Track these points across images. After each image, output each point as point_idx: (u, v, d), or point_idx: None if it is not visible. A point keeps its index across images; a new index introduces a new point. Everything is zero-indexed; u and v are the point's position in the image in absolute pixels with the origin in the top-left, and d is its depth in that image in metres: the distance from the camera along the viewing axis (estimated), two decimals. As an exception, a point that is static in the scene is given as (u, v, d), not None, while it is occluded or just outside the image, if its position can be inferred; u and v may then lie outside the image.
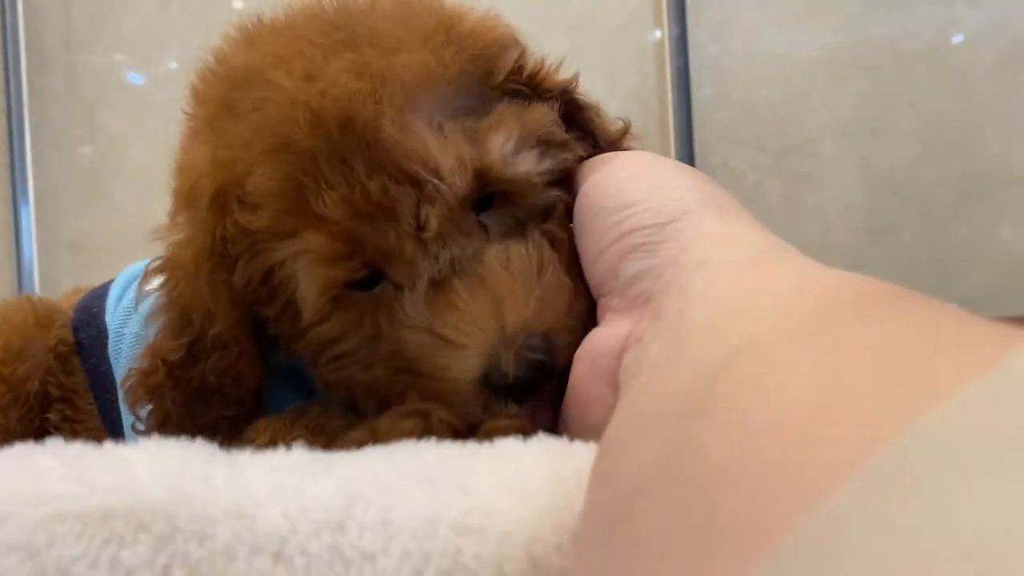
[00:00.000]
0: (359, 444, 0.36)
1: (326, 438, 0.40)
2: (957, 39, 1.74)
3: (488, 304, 0.36)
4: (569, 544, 0.28)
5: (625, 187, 0.39)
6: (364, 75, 0.36)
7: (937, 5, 1.73)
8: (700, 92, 1.69)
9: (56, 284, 1.57)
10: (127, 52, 1.64)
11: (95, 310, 0.58)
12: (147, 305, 0.51)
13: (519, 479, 0.30)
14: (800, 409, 0.19)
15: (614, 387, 0.35)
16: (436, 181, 0.36)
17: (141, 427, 0.44)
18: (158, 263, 0.45)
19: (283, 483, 0.28)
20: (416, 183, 0.36)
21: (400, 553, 0.26)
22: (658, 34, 1.69)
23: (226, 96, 0.40)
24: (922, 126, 1.73)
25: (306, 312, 0.39)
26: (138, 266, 0.60)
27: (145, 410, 0.44)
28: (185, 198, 0.41)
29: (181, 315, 0.42)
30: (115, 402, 0.55)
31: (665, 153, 1.60)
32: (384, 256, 0.37)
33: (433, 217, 0.36)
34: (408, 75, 0.37)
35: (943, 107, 1.73)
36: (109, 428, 0.56)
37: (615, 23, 1.70)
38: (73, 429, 0.56)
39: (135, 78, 1.64)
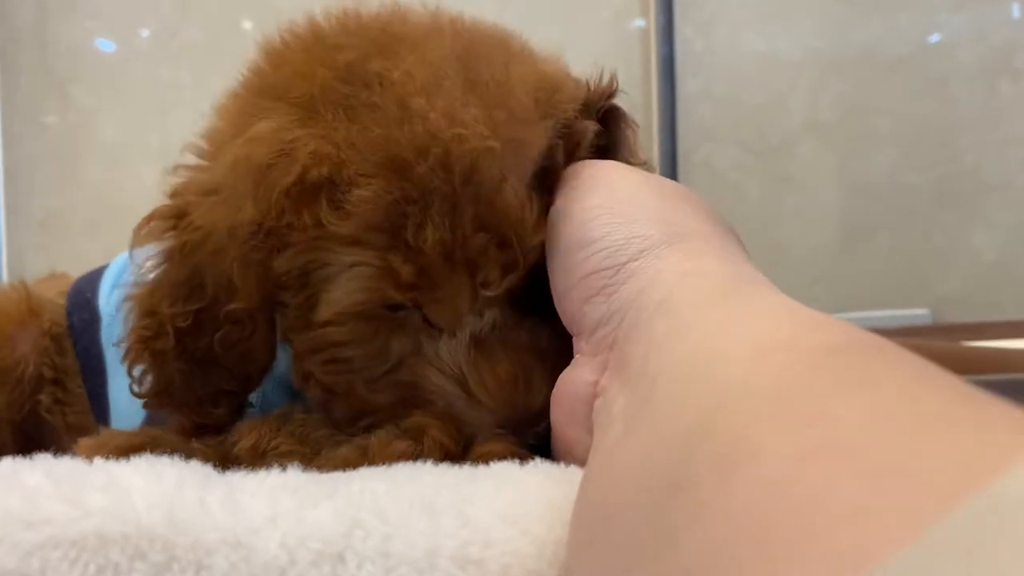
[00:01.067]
0: (350, 465, 0.36)
1: (310, 448, 0.39)
2: (936, 45, 1.76)
3: (521, 382, 0.38)
4: (568, 577, 0.28)
5: (588, 221, 0.38)
6: (498, 136, 0.37)
7: (917, 12, 1.74)
8: (685, 87, 1.70)
9: (23, 262, 1.54)
10: (99, 20, 1.61)
11: (88, 295, 0.57)
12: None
13: (518, 508, 0.30)
14: (782, 509, 0.19)
15: (590, 430, 0.35)
16: (524, 252, 0.38)
17: (138, 389, 0.42)
18: (171, 210, 0.42)
19: (280, 509, 0.28)
20: (508, 247, 0.38)
21: (400, 585, 0.26)
22: (643, 23, 1.69)
23: (333, 87, 0.38)
24: (899, 131, 1.75)
25: (326, 310, 0.38)
26: (127, 255, 0.58)
27: (141, 371, 0.42)
28: (249, 167, 0.38)
29: (191, 278, 0.40)
30: (104, 387, 0.54)
31: (648, 150, 1.60)
32: (438, 297, 0.38)
33: (505, 281, 0.38)
34: (531, 151, 0.39)
35: (921, 113, 1.74)
36: (97, 412, 0.55)
37: (601, 12, 1.70)
38: (63, 411, 0.56)
39: (105, 44, 1.60)
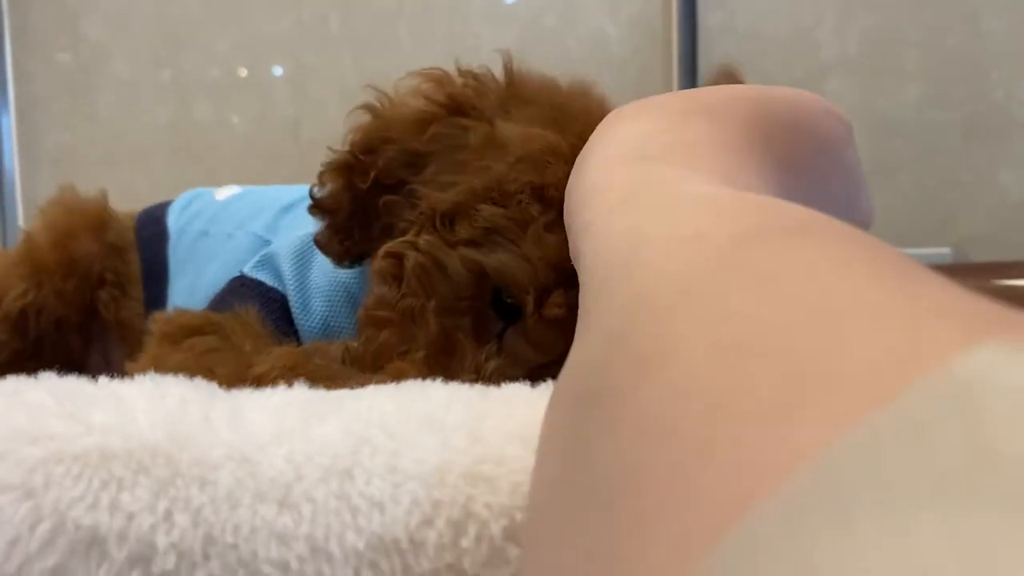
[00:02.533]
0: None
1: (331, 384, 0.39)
2: (968, -24, 1.70)
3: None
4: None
5: None
6: None
7: (950, -60, 1.68)
8: (706, 21, 1.65)
9: (38, 198, 1.54)
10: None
11: (158, 215, 0.66)
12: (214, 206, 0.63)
13: (531, 429, 0.29)
14: (690, 413, 0.17)
15: None
16: None
17: (317, 193, 0.48)
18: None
19: (286, 426, 0.27)
20: None
21: (409, 502, 0.25)
22: (663, -44, 1.65)
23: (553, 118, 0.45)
24: (927, 66, 1.71)
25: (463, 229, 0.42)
26: (197, 190, 0.69)
27: (328, 187, 0.48)
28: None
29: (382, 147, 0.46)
30: (164, 291, 0.62)
31: (667, 86, 1.57)
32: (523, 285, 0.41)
33: None
34: None
35: (950, 47, 1.70)
36: (150, 314, 0.60)
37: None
38: (118, 308, 0.64)
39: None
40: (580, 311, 0.27)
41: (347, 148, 0.47)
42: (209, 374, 0.41)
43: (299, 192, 0.62)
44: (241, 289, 0.51)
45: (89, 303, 0.64)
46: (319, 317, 0.49)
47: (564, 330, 0.39)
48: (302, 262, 0.51)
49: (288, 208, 0.59)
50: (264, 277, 0.51)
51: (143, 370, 0.44)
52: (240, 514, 0.24)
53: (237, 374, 0.41)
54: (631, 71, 1.53)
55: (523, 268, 0.40)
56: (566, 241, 0.37)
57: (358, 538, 0.24)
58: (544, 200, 0.41)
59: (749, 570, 0.13)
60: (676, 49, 1.55)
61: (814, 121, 0.40)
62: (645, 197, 0.29)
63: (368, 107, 0.48)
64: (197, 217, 0.65)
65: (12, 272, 0.62)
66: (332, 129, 1.73)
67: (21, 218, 1.51)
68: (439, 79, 0.47)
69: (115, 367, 0.65)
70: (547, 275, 0.40)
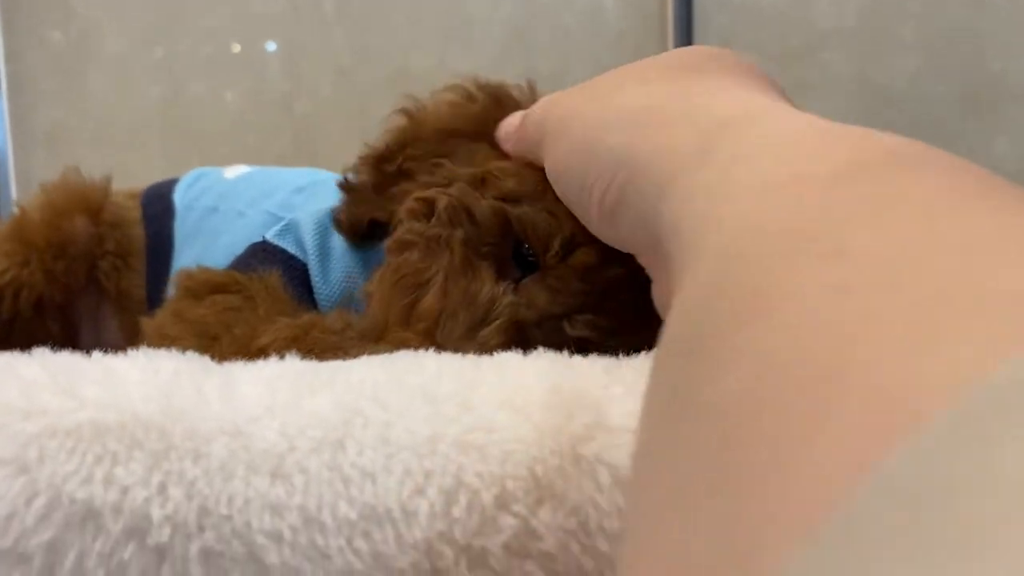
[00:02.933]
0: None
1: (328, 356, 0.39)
2: (965, -55, 1.69)
3: None
4: (570, 467, 0.27)
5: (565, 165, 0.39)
6: None
7: (948, -92, 1.67)
8: (701, -7, 1.64)
9: (31, 175, 1.54)
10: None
11: (164, 191, 0.67)
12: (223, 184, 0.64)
13: (521, 396, 0.29)
14: (818, 345, 0.16)
15: None
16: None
17: (352, 178, 0.51)
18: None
19: (278, 398, 0.27)
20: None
21: (401, 471, 0.26)
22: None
23: None
24: (924, 38, 1.70)
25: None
26: (203, 169, 0.69)
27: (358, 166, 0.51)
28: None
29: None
30: (168, 266, 0.62)
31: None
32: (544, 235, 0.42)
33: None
34: None
35: (948, 18, 1.69)
36: (153, 287, 0.62)
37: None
38: (119, 279, 0.63)
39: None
40: (670, 272, 0.27)
41: (381, 144, 0.50)
42: (225, 331, 0.43)
43: (311, 175, 0.64)
44: (263, 254, 0.51)
45: (82, 282, 0.63)
46: (338, 288, 0.50)
47: (584, 282, 0.40)
48: (323, 233, 0.51)
49: (301, 189, 0.59)
50: (286, 244, 0.51)
51: (163, 322, 0.46)
52: (233, 486, 0.24)
53: (243, 342, 0.42)
54: (627, 45, 1.52)
55: (546, 220, 0.41)
56: None
57: (350, 508, 0.25)
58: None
59: (929, 477, 0.12)
60: (671, 22, 1.54)
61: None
62: (722, 146, 0.28)
63: (404, 111, 0.51)
64: (205, 193, 0.65)
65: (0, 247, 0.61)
66: (325, 105, 1.73)
67: (15, 195, 1.50)
68: (478, 81, 0.50)
69: (108, 342, 0.65)
70: (572, 229, 0.40)
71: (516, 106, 0.48)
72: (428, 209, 0.45)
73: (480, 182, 0.44)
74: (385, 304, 0.43)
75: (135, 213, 0.66)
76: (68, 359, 0.29)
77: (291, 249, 0.51)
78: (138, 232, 0.64)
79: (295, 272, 0.50)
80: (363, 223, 0.49)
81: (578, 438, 0.28)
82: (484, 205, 0.43)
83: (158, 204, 0.66)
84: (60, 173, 0.70)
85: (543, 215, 0.41)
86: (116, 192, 0.69)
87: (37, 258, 0.60)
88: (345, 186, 0.50)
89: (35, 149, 1.53)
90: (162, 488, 0.24)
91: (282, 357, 0.38)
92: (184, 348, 0.42)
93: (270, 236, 0.52)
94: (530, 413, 0.28)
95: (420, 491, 0.25)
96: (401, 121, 0.51)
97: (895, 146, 0.23)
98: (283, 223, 0.53)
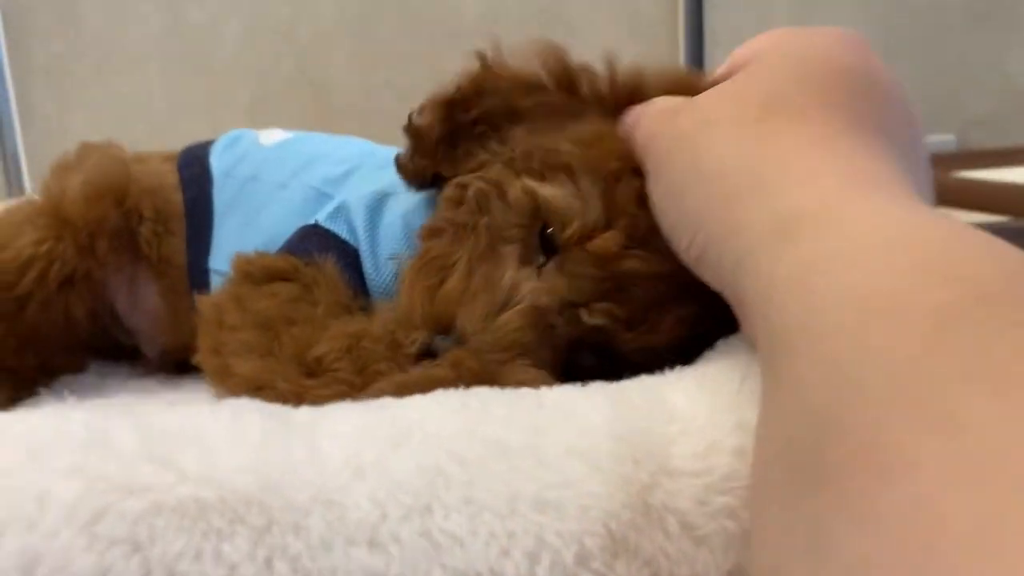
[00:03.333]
0: (400, 390, 0.37)
1: (364, 379, 0.41)
2: None
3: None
4: (641, 519, 0.29)
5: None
6: None
7: None
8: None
9: (33, 109, 1.52)
10: None
11: (199, 154, 0.67)
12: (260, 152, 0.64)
13: (586, 439, 0.31)
14: (945, 534, 0.18)
15: None
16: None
17: (416, 120, 0.50)
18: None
19: (364, 459, 0.29)
20: None
21: (486, 534, 0.27)
22: None
23: None
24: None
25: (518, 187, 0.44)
26: (237, 132, 0.70)
27: (424, 113, 0.50)
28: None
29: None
30: (208, 230, 0.63)
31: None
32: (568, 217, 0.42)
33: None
34: None
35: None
36: (194, 250, 0.63)
37: None
38: (160, 245, 0.63)
39: None
40: (755, 339, 0.29)
41: (455, 88, 0.48)
42: (285, 325, 0.44)
43: (352, 148, 0.64)
44: (317, 238, 0.51)
45: (121, 255, 0.63)
46: (389, 274, 0.50)
47: (599, 268, 0.41)
48: (373, 217, 0.52)
49: (347, 172, 0.59)
50: (338, 229, 0.52)
51: (223, 306, 0.47)
52: (334, 558, 0.26)
53: (301, 346, 0.43)
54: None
55: (573, 204, 0.42)
56: (635, 194, 0.40)
57: (444, 574, 0.26)
58: (623, 158, 0.42)
59: None
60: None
61: (870, 71, 0.39)
62: (809, 229, 0.29)
63: (480, 57, 0.49)
64: (242, 161, 0.64)
65: (32, 221, 0.61)
66: (327, 30, 1.70)
67: (19, 132, 1.49)
68: (558, 55, 0.48)
69: (146, 308, 0.66)
70: (600, 216, 0.41)
71: (588, 81, 0.47)
72: (461, 195, 0.45)
73: (527, 156, 0.44)
74: (411, 288, 0.44)
75: (172, 178, 0.65)
76: (156, 421, 0.30)
77: (343, 234, 0.51)
78: (177, 197, 0.64)
79: (347, 257, 0.50)
80: (427, 176, 0.49)
81: (645, 487, 0.30)
82: (517, 187, 0.43)
83: (195, 167, 0.65)
84: (78, 144, 0.70)
85: (570, 198, 0.42)
86: (150, 155, 0.69)
87: (71, 234, 0.60)
88: (410, 129, 0.50)
89: (35, 83, 1.51)
90: (268, 563, 0.26)
91: (336, 368, 0.40)
92: (243, 339, 0.44)
93: (322, 220, 0.52)
94: (599, 463, 0.30)
95: (505, 553, 0.27)
96: (475, 67, 0.49)
97: (995, 271, 0.24)
98: (334, 205, 0.53)
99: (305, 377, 0.41)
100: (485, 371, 0.39)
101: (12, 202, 0.84)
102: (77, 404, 0.46)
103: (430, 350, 0.41)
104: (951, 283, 0.24)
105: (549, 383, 0.38)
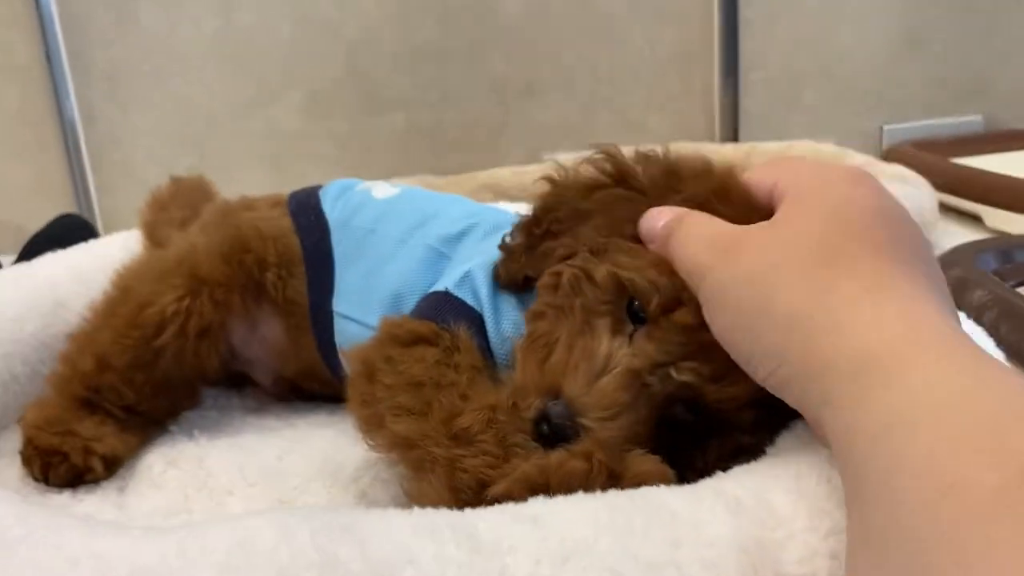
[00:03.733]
0: (530, 481, 0.44)
1: (504, 453, 0.47)
2: None
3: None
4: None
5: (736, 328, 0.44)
6: None
7: None
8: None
9: (95, 113, 1.57)
10: None
11: (312, 203, 0.73)
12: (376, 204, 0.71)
13: (716, 554, 0.38)
14: None
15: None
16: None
17: (509, 240, 0.58)
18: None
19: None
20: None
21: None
22: None
23: None
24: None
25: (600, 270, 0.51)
26: (344, 182, 0.76)
27: (513, 238, 0.58)
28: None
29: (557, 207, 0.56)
30: (330, 273, 0.69)
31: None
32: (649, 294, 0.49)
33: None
34: None
35: None
36: (316, 292, 0.69)
37: None
38: (284, 288, 0.69)
39: None
40: (846, 486, 0.37)
41: (531, 212, 0.57)
42: (434, 388, 0.51)
43: (463, 208, 0.70)
44: (448, 305, 0.58)
45: (249, 302, 0.69)
46: (509, 338, 0.57)
47: (684, 336, 0.47)
48: (495, 286, 0.59)
49: (463, 231, 0.66)
50: (465, 296, 0.58)
51: (375, 366, 0.53)
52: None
53: (449, 418, 0.49)
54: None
55: (648, 283, 0.49)
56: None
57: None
58: None
59: None
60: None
61: (890, 206, 0.45)
62: (881, 378, 0.36)
63: (548, 178, 0.58)
64: (358, 212, 0.71)
65: (169, 281, 0.66)
66: (373, 28, 1.76)
67: (81, 133, 1.55)
68: (612, 153, 0.55)
69: (265, 340, 0.73)
70: (671, 292, 0.48)
71: (656, 160, 0.55)
72: (556, 282, 0.52)
73: (602, 251, 0.52)
74: (523, 364, 0.51)
75: (286, 222, 0.71)
76: (375, 544, 0.38)
77: (469, 300, 0.58)
78: (294, 241, 0.70)
79: (474, 323, 0.56)
80: (519, 278, 0.57)
81: (767, 595, 0.37)
82: (602, 270, 0.50)
83: (309, 215, 0.72)
84: (170, 179, 0.76)
85: (645, 280, 0.49)
86: (256, 202, 0.75)
87: (208, 291, 0.66)
88: (503, 248, 0.58)
89: (95, 86, 1.56)
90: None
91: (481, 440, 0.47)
92: (398, 399, 0.50)
93: (451, 288, 0.59)
94: (728, 574, 0.38)
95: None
96: (546, 187, 0.58)
97: None
98: (461, 273, 0.60)
99: (453, 444, 0.48)
100: (613, 464, 0.45)
101: (122, 235, 0.91)
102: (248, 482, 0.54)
103: (545, 415, 0.48)
104: (1003, 461, 0.30)
105: (666, 476, 0.45)
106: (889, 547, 0.32)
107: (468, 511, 0.42)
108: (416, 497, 0.48)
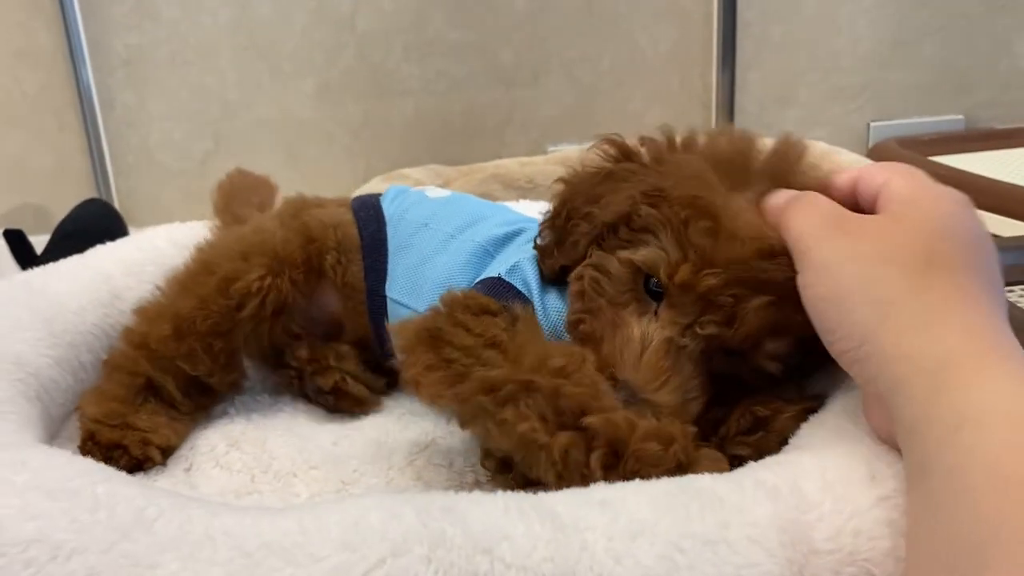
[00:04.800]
0: (618, 430, 0.50)
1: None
2: None
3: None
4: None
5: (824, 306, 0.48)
6: None
7: None
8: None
9: (113, 99, 1.60)
10: None
11: (372, 202, 0.80)
12: (430, 203, 0.78)
13: (760, 532, 0.45)
14: None
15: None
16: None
17: (540, 242, 0.64)
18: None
19: (617, 551, 0.43)
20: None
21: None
22: None
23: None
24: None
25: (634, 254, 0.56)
26: (400, 187, 0.82)
27: (544, 234, 0.64)
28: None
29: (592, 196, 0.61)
30: (384, 261, 0.76)
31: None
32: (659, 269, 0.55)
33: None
34: None
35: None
36: (372, 278, 0.76)
37: None
38: (344, 273, 0.76)
39: None
40: (910, 464, 0.42)
41: (551, 210, 0.63)
42: (519, 348, 0.54)
43: (506, 215, 0.76)
44: (502, 288, 0.63)
45: (318, 266, 0.76)
46: (554, 323, 0.63)
47: (692, 293, 0.53)
48: (540, 279, 0.64)
49: (509, 235, 0.72)
50: (516, 282, 0.64)
51: (445, 328, 0.56)
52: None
53: (540, 364, 0.52)
54: None
55: (659, 255, 0.54)
56: (703, 231, 0.52)
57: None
58: (694, 206, 0.54)
59: None
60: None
61: (983, 233, 0.50)
62: (958, 380, 0.40)
63: (562, 180, 0.64)
64: (413, 208, 0.78)
65: (252, 259, 0.72)
66: (385, 19, 1.80)
67: (100, 118, 1.58)
68: (613, 139, 0.61)
69: (331, 320, 0.79)
70: (678, 255, 0.54)
71: (643, 161, 0.60)
72: (580, 288, 0.59)
73: (614, 230, 0.58)
74: None
75: (348, 216, 0.78)
76: (472, 520, 0.44)
77: (519, 286, 0.64)
78: (353, 232, 0.77)
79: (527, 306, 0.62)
80: (556, 270, 0.62)
81: (802, 565, 0.44)
82: (615, 263, 0.57)
83: (369, 211, 0.79)
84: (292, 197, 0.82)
85: (660, 254, 0.54)
86: (327, 201, 0.82)
87: (288, 271, 0.72)
88: (537, 248, 0.64)
89: (114, 73, 1.59)
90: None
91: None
92: (480, 353, 0.54)
93: (503, 274, 0.65)
94: (772, 549, 0.44)
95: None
96: (560, 187, 0.64)
97: None
98: (510, 264, 0.66)
99: (554, 375, 0.51)
100: (684, 456, 0.51)
101: (166, 228, 0.95)
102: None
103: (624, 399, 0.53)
104: None
105: (722, 465, 0.52)
106: (956, 523, 0.37)
107: (542, 494, 0.49)
108: (502, 432, 0.51)
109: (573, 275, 0.59)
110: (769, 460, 0.53)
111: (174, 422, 0.70)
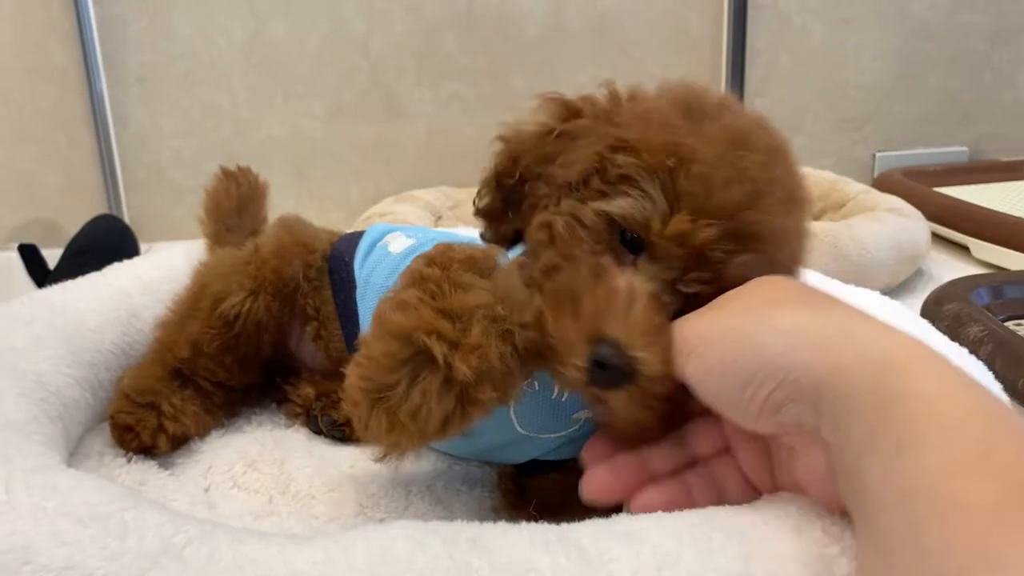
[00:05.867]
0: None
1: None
2: None
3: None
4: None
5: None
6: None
7: None
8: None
9: (127, 116, 1.61)
10: None
11: (347, 258, 0.77)
12: (391, 260, 0.73)
13: (783, 569, 0.46)
14: None
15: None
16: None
17: (478, 203, 0.61)
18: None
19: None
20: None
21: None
22: None
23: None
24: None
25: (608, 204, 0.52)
26: (380, 227, 0.80)
27: (484, 195, 0.60)
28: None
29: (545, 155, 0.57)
30: (354, 302, 0.74)
31: None
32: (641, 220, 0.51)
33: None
34: None
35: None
36: (350, 347, 0.74)
37: None
38: (326, 343, 0.77)
39: None
40: (854, 491, 0.41)
41: (493, 167, 0.59)
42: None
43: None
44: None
45: (288, 317, 0.77)
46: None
47: (683, 247, 0.50)
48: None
49: None
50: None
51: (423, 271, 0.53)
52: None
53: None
54: None
55: (641, 207, 0.51)
56: (694, 185, 0.49)
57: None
58: (678, 154, 0.50)
59: None
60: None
61: None
62: (917, 385, 0.38)
63: (500, 138, 0.59)
64: (376, 269, 0.75)
65: (236, 279, 0.75)
66: (399, 42, 1.82)
67: (113, 135, 1.59)
68: (556, 98, 0.58)
69: (313, 359, 0.80)
70: (666, 206, 0.50)
71: (587, 105, 0.57)
72: (550, 234, 0.54)
73: (584, 183, 0.53)
74: (558, 320, 0.51)
75: (325, 278, 0.78)
76: (500, 554, 0.45)
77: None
78: (329, 295, 0.77)
79: None
80: (509, 235, 0.59)
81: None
82: (589, 213, 0.52)
83: (342, 272, 0.77)
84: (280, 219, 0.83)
85: (637, 203, 0.51)
86: (327, 233, 0.82)
87: (264, 292, 0.75)
88: (478, 212, 0.60)
89: (128, 90, 1.60)
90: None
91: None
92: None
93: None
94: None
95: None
96: (499, 145, 0.59)
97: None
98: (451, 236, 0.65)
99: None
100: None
101: (184, 245, 0.96)
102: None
103: (598, 361, 0.48)
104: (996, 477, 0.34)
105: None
106: (904, 560, 0.36)
107: (566, 526, 0.49)
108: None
109: (537, 223, 0.55)
110: (791, 496, 0.54)
111: (204, 413, 0.76)
